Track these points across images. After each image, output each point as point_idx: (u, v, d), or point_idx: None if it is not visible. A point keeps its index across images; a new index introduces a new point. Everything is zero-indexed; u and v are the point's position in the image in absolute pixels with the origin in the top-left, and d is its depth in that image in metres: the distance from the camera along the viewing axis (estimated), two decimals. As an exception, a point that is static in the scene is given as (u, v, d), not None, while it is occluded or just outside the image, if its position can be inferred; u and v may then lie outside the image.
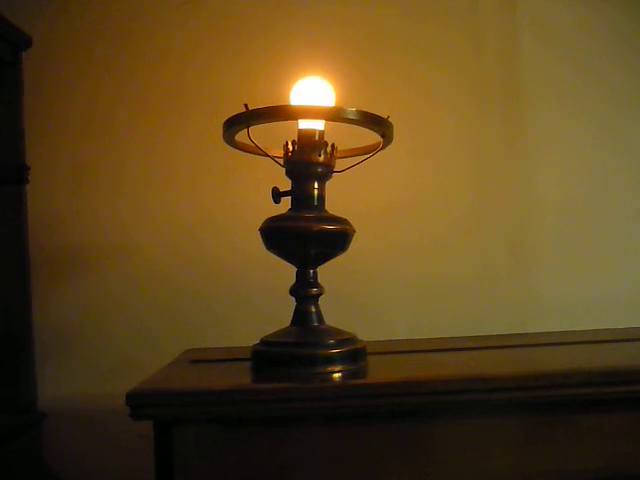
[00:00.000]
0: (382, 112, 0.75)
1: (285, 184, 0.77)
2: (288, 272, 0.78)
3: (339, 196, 0.80)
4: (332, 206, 0.78)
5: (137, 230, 1.15)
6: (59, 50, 1.15)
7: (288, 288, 0.77)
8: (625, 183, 1.23)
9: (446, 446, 0.69)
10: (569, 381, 0.68)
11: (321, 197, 0.76)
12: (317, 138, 0.75)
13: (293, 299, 0.77)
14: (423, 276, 1.18)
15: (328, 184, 0.77)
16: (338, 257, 0.78)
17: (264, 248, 0.77)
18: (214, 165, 1.15)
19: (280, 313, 0.78)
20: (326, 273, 0.79)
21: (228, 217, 1.15)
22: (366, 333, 0.80)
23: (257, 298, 1.12)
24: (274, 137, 0.78)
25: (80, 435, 1.12)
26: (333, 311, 0.81)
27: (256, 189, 1.02)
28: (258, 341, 0.77)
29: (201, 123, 1.14)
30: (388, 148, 0.80)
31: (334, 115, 0.73)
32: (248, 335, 0.80)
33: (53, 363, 1.13)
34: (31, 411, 1.08)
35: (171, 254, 1.15)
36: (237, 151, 0.82)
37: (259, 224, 0.77)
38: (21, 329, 1.09)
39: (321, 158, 0.75)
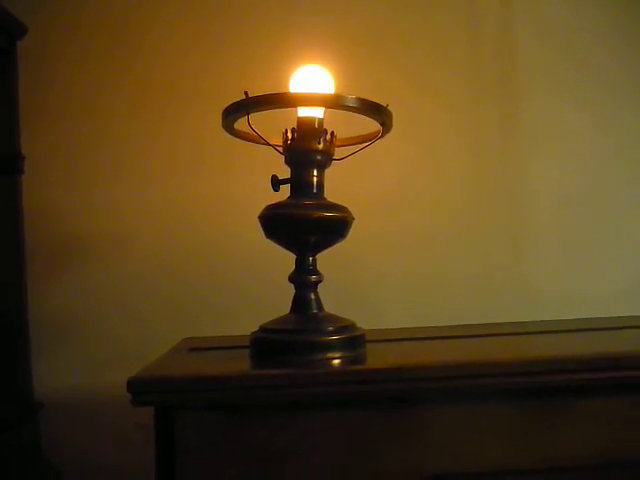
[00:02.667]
0: (379, 102, 0.75)
1: (283, 173, 0.77)
2: (286, 261, 0.78)
3: (338, 184, 0.80)
4: (331, 194, 0.78)
5: (135, 220, 1.15)
6: (55, 39, 1.14)
7: (286, 277, 0.77)
8: (622, 175, 1.24)
9: (443, 431, 0.69)
10: (565, 367, 0.68)
11: (320, 185, 0.76)
12: (316, 126, 0.75)
13: (291, 288, 0.77)
14: (421, 266, 1.19)
15: (327, 172, 0.78)
16: (336, 245, 0.78)
17: (262, 237, 0.77)
18: (213, 154, 1.15)
19: (278, 302, 0.78)
20: (324, 261, 0.79)
21: (226, 206, 1.15)
22: (363, 322, 0.80)
23: (255, 287, 1.13)
24: (273, 126, 0.78)
25: (77, 425, 1.12)
26: (331, 299, 0.81)
27: (254, 178, 1.02)
28: (257, 329, 0.77)
29: (200, 113, 1.14)
30: (386, 138, 0.80)
31: (333, 102, 0.73)
32: (246, 324, 0.80)
33: (50, 353, 1.13)
34: (28, 401, 1.09)
35: (169, 243, 1.15)
36: (235, 140, 0.82)
37: (257, 213, 0.77)
38: (17, 319, 1.09)
39: (320, 146, 0.75)
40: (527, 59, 1.23)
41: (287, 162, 0.77)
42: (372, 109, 0.74)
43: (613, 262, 1.23)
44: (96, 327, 1.14)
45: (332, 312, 0.78)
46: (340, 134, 0.79)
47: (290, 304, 0.77)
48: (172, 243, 1.16)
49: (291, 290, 0.77)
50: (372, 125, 0.79)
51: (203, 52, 1.17)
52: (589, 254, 1.23)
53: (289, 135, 0.76)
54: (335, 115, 0.76)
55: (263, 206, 0.77)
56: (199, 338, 0.96)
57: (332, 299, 0.81)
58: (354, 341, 0.74)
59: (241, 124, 0.78)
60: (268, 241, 0.77)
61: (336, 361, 0.71)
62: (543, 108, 1.23)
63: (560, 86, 1.23)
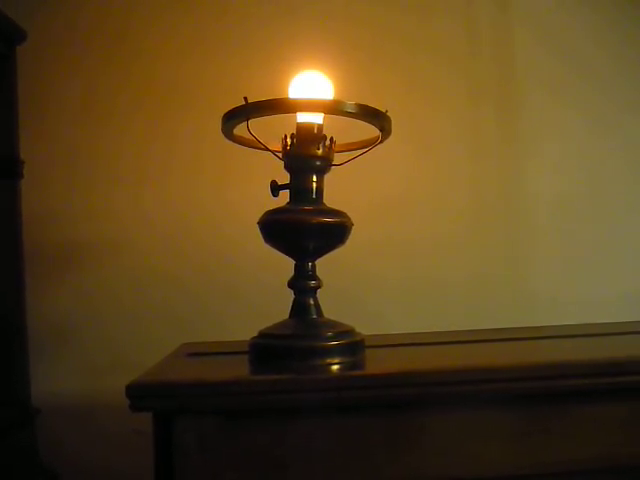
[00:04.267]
0: (378, 107, 0.75)
1: (282, 178, 0.77)
2: (284, 267, 0.78)
3: (337, 190, 0.81)
4: (330, 199, 0.78)
5: (133, 225, 1.15)
6: (55, 44, 1.15)
7: (284, 283, 0.77)
8: (620, 177, 1.24)
9: (443, 437, 0.69)
10: (564, 372, 0.69)
11: (319, 190, 0.76)
12: (316, 132, 0.75)
13: (289, 294, 0.77)
14: (419, 271, 1.19)
15: (326, 177, 0.78)
16: (335, 251, 0.78)
17: (260, 243, 0.77)
18: (211, 160, 1.15)
19: (276, 308, 0.78)
20: (322, 267, 0.79)
21: (224, 212, 1.15)
22: (362, 327, 0.79)
23: (253, 293, 1.13)
24: (272, 132, 0.78)
25: (74, 430, 1.12)
26: (330, 305, 0.81)
27: (252, 184, 1.03)
28: (256, 334, 0.77)
29: (198, 118, 1.14)
30: (385, 144, 0.80)
31: (333, 108, 0.73)
32: (244, 330, 0.80)
33: (47, 359, 1.13)
34: (25, 406, 1.08)
35: (167, 249, 1.16)
36: (234, 146, 0.82)
37: (255, 219, 0.77)
38: (15, 324, 1.08)
39: (320, 151, 0.75)
40: (525, 62, 1.23)
41: (286, 168, 0.78)
42: (371, 115, 0.74)
43: (612, 266, 1.23)
44: (94, 332, 1.14)
45: (331, 318, 0.77)
46: (339, 140, 0.79)
47: (288, 310, 0.77)
48: (169, 249, 1.16)
49: (289, 296, 0.77)
50: (371, 131, 0.79)
51: (201, 58, 1.17)
52: (588, 258, 1.23)
53: (288, 141, 0.76)
54: (334, 121, 0.76)
55: (261, 212, 0.77)
56: (197, 343, 0.96)
57: (331, 304, 0.81)
58: (353, 346, 0.74)
59: (240, 130, 0.78)
60: (266, 247, 0.77)
61: (335, 366, 0.70)
62: (542, 111, 1.23)
63: (558, 89, 1.24)
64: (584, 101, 1.24)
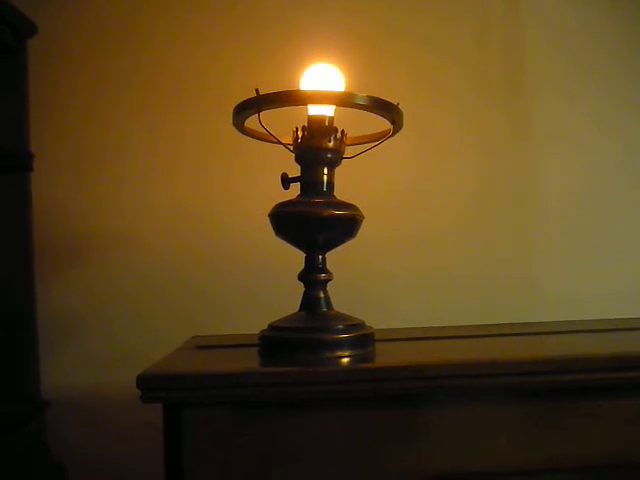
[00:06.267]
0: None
1: (292, 171, 0.77)
2: (292, 261, 0.78)
3: (348, 183, 0.80)
4: (341, 192, 0.78)
5: (141, 219, 1.15)
6: (65, 37, 1.15)
7: (292, 277, 0.77)
8: (629, 178, 1.24)
9: (452, 431, 0.69)
10: (573, 367, 0.68)
11: (330, 183, 0.76)
12: (327, 124, 0.75)
13: (297, 288, 0.77)
14: (428, 265, 1.19)
15: (337, 170, 0.78)
16: (344, 244, 0.78)
17: (270, 236, 0.77)
18: (218, 154, 1.15)
19: (286, 301, 0.78)
20: (332, 260, 0.79)
21: (233, 205, 1.15)
22: (372, 321, 0.79)
23: (263, 286, 1.12)
24: (282, 125, 0.78)
25: (83, 424, 1.12)
26: (339, 298, 0.80)
27: (262, 177, 1.03)
28: (266, 327, 0.77)
29: (206, 113, 1.14)
30: (396, 138, 0.80)
31: (344, 100, 0.73)
32: (253, 323, 0.80)
33: (56, 352, 1.13)
34: (34, 400, 1.08)
35: (175, 243, 1.15)
36: (243, 139, 0.82)
37: (263, 213, 0.77)
38: (25, 318, 1.08)
39: (331, 144, 0.75)
40: (535, 61, 1.23)
41: (297, 160, 0.77)
42: (383, 107, 0.74)
43: (619, 262, 1.23)
44: (102, 326, 1.14)
45: (341, 311, 0.77)
46: (350, 133, 0.79)
47: (296, 304, 0.77)
48: (177, 243, 1.15)
49: (297, 290, 0.77)
50: (382, 124, 0.79)
51: (209, 51, 1.17)
52: (595, 254, 1.22)
53: (299, 133, 0.75)
54: (346, 113, 0.75)
55: (271, 205, 0.77)
56: (207, 336, 0.96)
57: (341, 298, 0.80)
58: (363, 339, 0.74)
59: (251, 123, 0.78)
60: (276, 240, 0.77)
61: (345, 359, 0.70)
62: (551, 109, 1.22)
63: (568, 88, 1.23)
64: (593, 101, 1.23)
